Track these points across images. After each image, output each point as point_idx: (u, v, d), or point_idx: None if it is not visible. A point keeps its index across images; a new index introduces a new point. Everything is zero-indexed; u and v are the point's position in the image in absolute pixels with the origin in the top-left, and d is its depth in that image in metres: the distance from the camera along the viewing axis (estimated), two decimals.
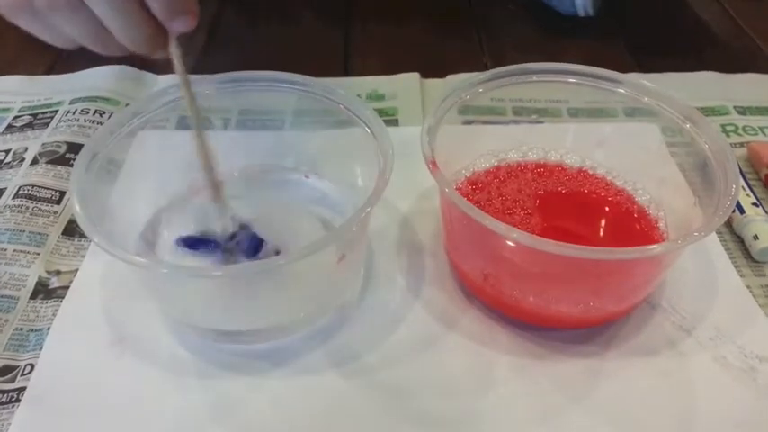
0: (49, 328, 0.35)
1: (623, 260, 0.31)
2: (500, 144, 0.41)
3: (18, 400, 0.32)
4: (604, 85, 0.39)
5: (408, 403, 0.32)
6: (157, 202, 0.38)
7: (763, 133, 0.49)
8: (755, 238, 0.39)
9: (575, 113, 0.47)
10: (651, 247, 0.30)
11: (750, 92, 0.53)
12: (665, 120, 0.38)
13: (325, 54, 0.59)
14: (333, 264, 0.33)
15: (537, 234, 0.31)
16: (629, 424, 0.31)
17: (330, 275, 0.34)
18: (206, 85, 0.38)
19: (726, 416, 0.32)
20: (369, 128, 0.35)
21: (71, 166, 0.44)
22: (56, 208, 0.42)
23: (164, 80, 0.53)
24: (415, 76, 0.54)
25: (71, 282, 0.37)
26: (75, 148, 0.46)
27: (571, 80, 0.39)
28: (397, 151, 0.33)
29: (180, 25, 0.30)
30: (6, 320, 0.36)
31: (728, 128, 0.50)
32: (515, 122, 0.47)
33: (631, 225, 0.37)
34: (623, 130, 0.41)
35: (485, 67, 0.56)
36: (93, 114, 0.49)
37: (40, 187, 0.43)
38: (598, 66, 0.39)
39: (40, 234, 0.40)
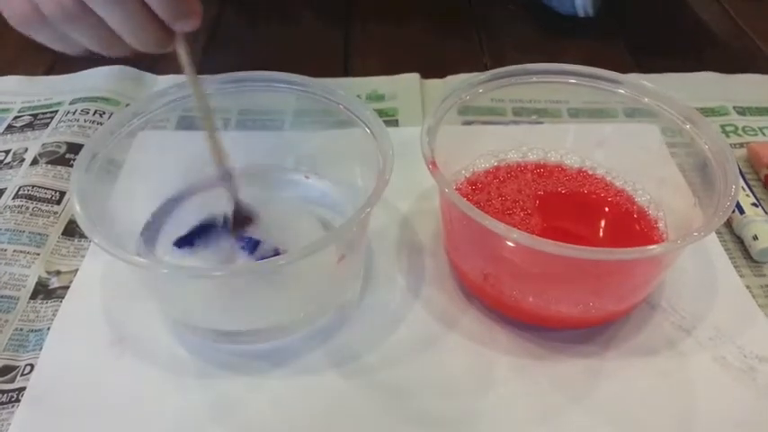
0: (48, 329, 0.35)
1: (623, 260, 0.31)
2: (500, 144, 0.41)
3: (18, 401, 0.32)
4: (604, 85, 0.39)
5: (408, 403, 0.32)
6: (157, 202, 0.38)
7: (763, 134, 0.49)
8: (755, 238, 0.39)
9: (575, 114, 0.47)
10: (651, 247, 0.30)
11: (750, 92, 0.53)
12: (664, 120, 0.38)
13: (325, 54, 0.59)
14: (333, 264, 0.33)
15: (537, 234, 0.31)
16: (629, 424, 0.31)
17: (330, 275, 0.35)
18: (206, 85, 0.38)
19: (725, 416, 0.32)
20: (369, 128, 0.35)
21: (71, 166, 0.44)
22: (56, 208, 0.42)
23: (164, 80, 0.53)
24: (415, 76, 0.54)
25: (71, 282, 0.37)
26: (75, 148, 0.46)
27: (571, 80, 0.39)
28: (397, 151, 0.33)
29: (185, 26, 0.31)
30: (6, 321, 0.36)
31: (728, 128, 0.50)
32: (515, 123, 0.47)
33: (631, 225, 0.37)
34: (623, 131, 0.41)
35: (485, 68, 0.56)
36: (93, 114, 0.49)
37: (40, 187, 0.43)
38: (598, 66, 0.39)
39: (40, 234, 0.40)
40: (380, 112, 0.48)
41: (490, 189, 0.38)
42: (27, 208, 0.41)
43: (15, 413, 0.31)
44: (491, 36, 0.62)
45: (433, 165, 0.33)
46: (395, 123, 0.50)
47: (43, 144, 0.46)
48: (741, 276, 0.38)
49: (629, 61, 0.58)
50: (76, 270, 0.38)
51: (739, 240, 0.40)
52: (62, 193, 0.43)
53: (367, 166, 0.34)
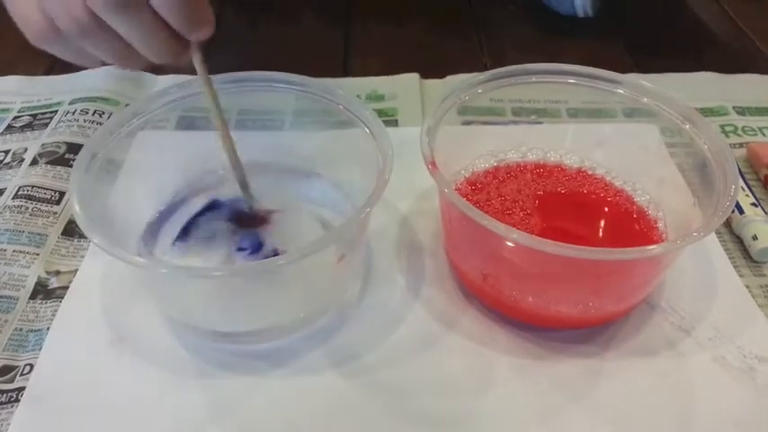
0: (48, 329, 0.35)
1: (622, 260, 0.31)
2: (499, 144, 0.41)
3: (17, 400, 0.32)
4: (604, 85, 0.39)
5: (408, 403, 0.32)
6: (157, 202, 0.38)
7: (763, 134, 0.49)
8: (755, 238, 0.39)
9: (574, 114, 0.47)
10: (650, 247, 0.30)
11: (749, 92, 0.53)
12: (664, 120, 0.38)
13: (324, 54, 0.59)
14: (332, 264, 0.33)
15: (536, 234, 0.31)
16: (629, 424, 0.31)
17: (330, 275, 0.35)
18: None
19: (725, 416, 0.32)
20: (368, 128, 0.35)
21: (71, 166, 0.44)
22: (55, 208, 0.42)
23: (163, 80, 0.53)
24: (415, 76, 0.54)
25: (70, 282, 0.37)
26: (74, 148, 0.46)
27: (570, 81, 0.39)
28: (397, 152, 0.33)
29: (198, 35, 0.31)
30: (6, 321, 0.36)
31: (728, 128, 0.50)
32: (515, 123, 0.47)
33: (630, 225, 0.37)
34: (622, 131, 0.41)
35: (484, 68, 0.56)
36: (93, 114, 0.49)
37: (39, 188, 0.43)
38: (597, 66, 0.39)
39: (39, 234, 0.40)
40: (380, 113, 0.48)
41: (490, 189, 0.38)
42: (26, 208, 0.41)
43: (15, 413, 0.31)
44: (491, 36, 0.62)
45: (432, 165, 0.33)
46: (394, 123, 0.50)
47: (43, 144, 0.46)
48: (741, 276, 0.38)
49: (629, 61, 0.58)
50: (76, 270, 0.38)
51: (739, 240, 0.40)
52: (62, 194, 0.43)
53: (366, 167, 0.34)
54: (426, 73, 0.54)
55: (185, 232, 0.36)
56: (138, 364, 0.33)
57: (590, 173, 0.40)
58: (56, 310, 0.36)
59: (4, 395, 0.32)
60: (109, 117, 0.48)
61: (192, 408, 0.32)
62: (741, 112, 0.51)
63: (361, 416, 0.31)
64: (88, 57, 0.33)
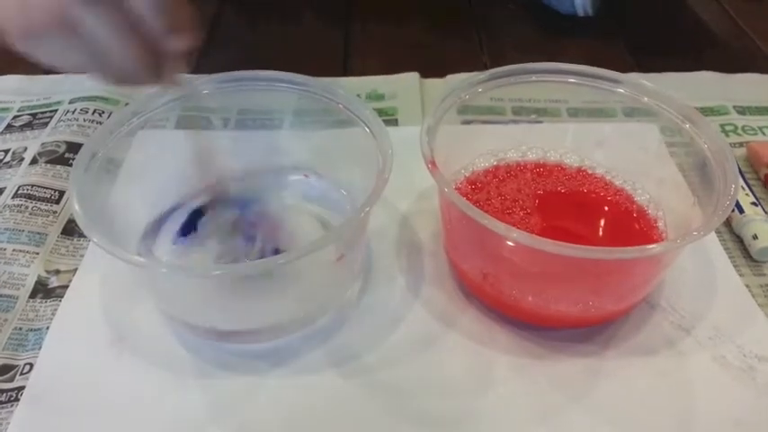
0: (48, 328, 0.35)
1: (622, 260, 0.31)
2: (499, 144, 0.41)
3: (17, 400, 0.32)
4: (604, 84, 0.39)
5: (408, 403, 0.32)
6: (157, 201, 0.38)
7: (763, 133, 0.49)
8: (755, 237, 0.39)
9: (574, 113, 0.47)
10: (650, 246, 0.30)
11: (749, 92, 0.53)
12: (664, 119, 0.38)
13: (324, 54, 0.59)
14: (332, 263, 0.33)
15: (536, 234, 0.31)
16: (629, 423, 0.31)
17: (329, 275, 0.34)
18: (205, 84, 0.38)
19: (725, 415, 0.31)
20: (368, 127, 0.35)
21: (70, 165, 0.44)
22: (55, 207, 0.42)
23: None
24: (415, 75, 0.54)
25: (70, 281, 0.37)
26: (74, 147, 0.46)
27: (570, 80, 0.39)
28: (397, 151, 0.33)
29: (178, 42, 0.30)
30: (5, 320, 0.36)
31: (728, 128, 0.50)
32: (515, 122, 0.47)
33: (630, 225, 0.37)
34: (622, 130, 0.41)
35: (484, 67, 0.56)
36: (93, 114, 0.49)
37: (39, 187, 0.43)
38: (597, 66, 0.39)
39: (39, 233, 0.40)
40: (380, 112, 0.48)
41: (489, 188, 0.38)
42: (26, 207, 0.41)
43: (14, 412, 0.31)
44: (491, 36, 0.62)
45: (432, 164, 0.33)
46: (394, 123, 0.50)
47: (42, 143, 0.46)
48: (741, 276, 0.38)
49: (629, 61, 0.58)
50: (76, 269, 0.38)
51: (739, 240, 0.40)
52: (61, 193, 0.43)
53: (366, 166, 0.34)
54: (426, 73, 0.54)
55: (185, 231, 0.36)
56: (137, 363, 0.33)
57: (590, 172, 0.40)
58: (55, 310, 0.36)
59: (4, 394, 0.32)
60: (109, 116, 0.48)
61: (191, 408, 0.32)
62: (741, 111, 0.51)
63: (361, 416, 0.31)
64: (67, 61, 0.31)
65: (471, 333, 0.35)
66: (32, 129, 0.48)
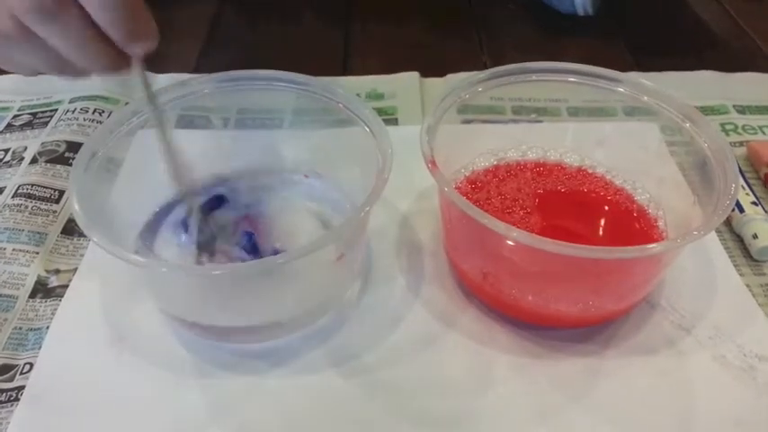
0: (47, 327, 0.35)
1: (622, 259, 0.31)
2: (499, 143, 0.41)
3: (17, 399, 0.32)
4: (604, 84, 0.39)
5: (407, 402, 0.32)
6: (157, 200, 0.38)
7: (763, 132, 0.49)
8: (755, 236, 0.39)
9: (574, 112, 0.47)
10: (650, 246, 0.30)
11: (749, 91, 0.53)
12: (664, 119, 0.38)
13: (324, 54, 0.59)
14: (332, 262, 0.33)
15: (536, 233, 0.31)
16: (629, 423, 0.31)
17: (329, 274, 0.34)
18: (205, 84, 0.38)
19: (725, 415, 0.31)
20: (368, 127, 0.35)
21: (70, 165, 0.44)
22: (55, 207, 0.42)
23: (163, 79, 0.53)
24: (415, 75, 0.54)
25: (70, 281, 0.37)
26: (74, 146, 0.46)
27: (570, 79, 0.39)
28: (397, 150, 0.33)
29: (140, 49, 0.30)
30: (5, 319, 0.36)
31: (728, 127, 0.50)
32: (515, 121, 0.47)
33: (631, 224, 0.37)
34: (622, 129, 0.41)
35: (484, 67, 0.56)
36: (93, 113, 0.49)
37: (39, 186, 0.43)
38: (598, 65, 0.39)
39: (39, 233, 0.40)
40: (380, 111, 0.48)
41: (490, 188, 0.38)
42: (26, 207, 0.41)
43: (14, 412, 0.31)
44: (491, 36, 0.61)
45: (432, 163, 0.33)
46: (394, 122, 0.50)
47: (42, 143, 0.46)
48: (741, 275, 0.38)
49: (629, 60, 0.58)
50: (76, 269, 0.38)
51: (739, 239, 0.40)
52: (61, 192, 0.43)
53: (366, 165, 0.34)
54: (426, 73, 0.54)
55: (185, 230, 0.36)
56: (137, 363, 0.33)
57: (590, 171, 0.40)
58: (55, 309, 0.36)
59: (4, 394, 0.32)
60: (109, 116, 0.48)
61: (191, 408, 0.32)
62: (741, 110, 0.51)
63: (361, 415, 0.31)
64: (20, 65, 0.31)
65: (471, 333, 0.35)
66: (32, 128, 0.48)
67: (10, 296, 0.37)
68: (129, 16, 0.28)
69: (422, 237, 0.40)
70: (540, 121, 0.46)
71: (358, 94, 0.51)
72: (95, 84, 0.51)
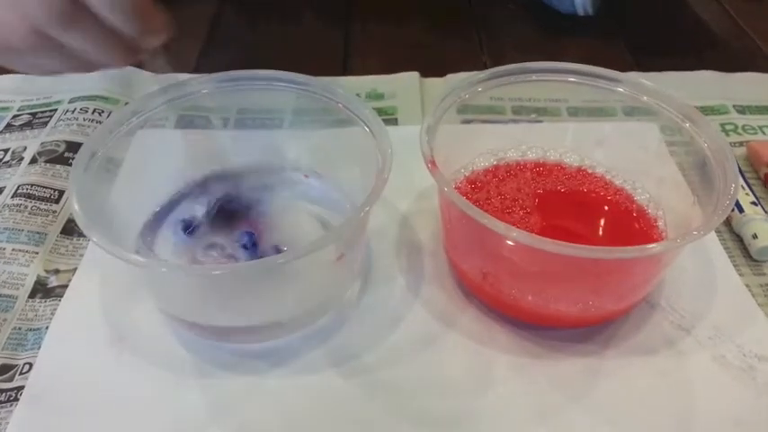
0: (47, 328, 0.35)
1: (622, 259, 0.30)
2: (499, 143, 0.41)
3: (16, 399, 0.32)
4: (603, 84, 0.39)
5: (407, 402, 0.32)
6: (156, 200, 0.38)
7: (763, 132, 0.49)
8: (754, 237, 0.39)
9: (574, 112, 0.47)
10: (650, 246, 0.30)
11: (749, 91, 0.53)
12: (664, 119, 0.38)
13: (324, 54, 0.59)
14: (332, 262, 0.33)
15: (536, 233, 0.31)
16: (629, 423, 0.31)
17: (329, 274, 0.34)
18: (205, 84, 0.38)
19: (725, 415, 0.31)
20: (368, 127, 0.35)
21: (70, 164, 0.44)
22: (54, 207, 0.42)
23: (162, 79, 0.53)
24: (415, 75, 0.54)
25: (70, 281, 0.37)
26: (74, 146, 0.46)
27: (570, 79, 0.39)
28: (397, 150, 0.33)
29: (153, 42, 0.32)
30: (5, 319, 0.35)
31: (728, 127, 0.50)
32: (514, 121, 0.47)
33: (630, 224, 0.37)
34: (622, 129, 0.41)
35: (484, 67, 0.56)
36: (92, 113, 0.49)
37: (38, 186, 0.43)
38: (597, 65, 0.39)
39: (38, 233, 0.40)
40: (380, 111, 0.48)
41: (489, 188, 0.38)
42: (26, 207, 0.41)
43: (14, 412, 0.31)
44: (491, 36, 0.61)
45: (432, 163, 0.33)
46: (394, 122, 0.50)
47: (42, 143, 0.46)
48: (740, 275, 0.38)
49: (629, 60, 0.58)
50: (75, 269, 0.38)
51: (739, 239, 0.40)
52: (61, 192, 0.43)
53: (366, 165, 0.34)
54: (426, 73, 0.54)
55: (184, 230, 0.36)
56: (137, 363, 0.33)
57: (590, 171, 0.40)
58: (55, 309, 0.36)
59: (3, 394, 0.32)
60: (108, 116, 0.48)
61: (191, 408, 0.32)
62: (741, 110, 0.51)
63: (361, 415, 0.31)
64: (46, 69, 0.33)
65: (471, 333, 0.35)
66: (32, 128, 0.48)
67: (9, 296, 0.37)
68: (138, 16, 0.30)
69: (422, 237, 0.40)
70: (540, 121, 0.46)
71: (358, 94, 0.51)
72: (95, 84, 0.51)
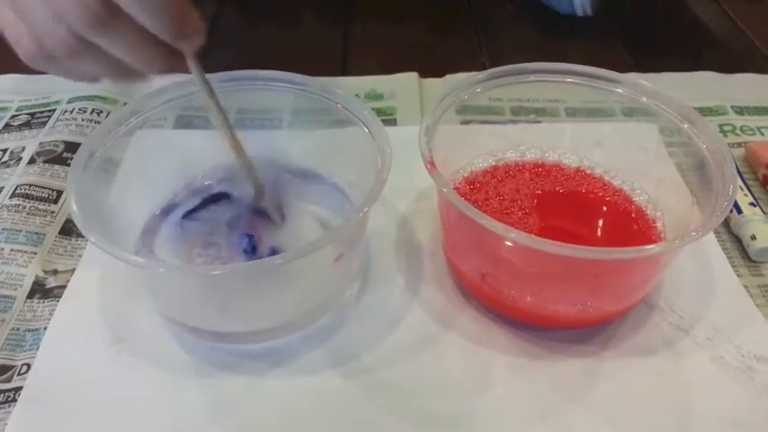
0: (45, 328, 0.35)
1: (621, 260, 0.31)
2: (498, 144, 0.41)
3: (15, 400, 0.32)
4: (602, 84, 0.39)
5: (406, 403, 0.32)
6: (155, 200, 0.38)
7: (761, 133, 0.49)
8: (753, 237, 0.39)
9: (572, 113, 0.47)
10: (649, 246, 0.30)
11: (748, 92, 0.53)
12: (663, 120, 0.38)
13: (324, 54, 0.59)
14: (331, 263, 0.33)
15: (534, 234, 0.31)
16: (627, 424, 0.31)
17: (328, 275, 0.34)
18: None
19: (723, 416, 0.32)
20: (367, 127, 0.35)
21: (68, 165, 0.44)
22: (53, 207, 0.42)
23: (162, 79, 0.53)
24: (414, 75, 0.54)
25: (68, 281, 0.37)
26: (72, 147, 0.46)
27: (569, 80, 0.39)
28: (395, 151, 0.33)
29: (190, 47, 0.32)
30: (3, 320, 0.35)
31: (726, 128, 0.50)
32: (513, 122, 0.47)
33: (629, 225, 0.37)
34: (621, 130, 0.41)
35: (483, 68, 0.56)
36: (91, 113, 0.49)
37: (37, 186, 0.43)
38: (596, 66, 0.39)
39: (37, 233, 0.40)
40: (379, 112, 0.48)
41: (488, 188, 0.38)
42: (24, 207, 0.41)
43: (12, 413, 0.31)
44: (490, 36, 0.62)
45: (431, 164, 0.33)
46: (393, 122, 0.50)
47: (40, 143, 0.46)
48: (739, 276, 0.38)
49: (628, 61, 0.58)
50: (74, 269, 0.38)
51: (737, 240, 0.40)
52: (59, 192, 0.43)
53: (365, 166, 0.34)
54: (425, 73, 0.54)
55: (185, 231, 0.36)
56: (136, 363, 0.33)
57: (588, 172, 0.40)
58: (53, 310, 0.36)
59: (2, 395, 0.32)
60: (107, 116, 0.48)
61: (191, 408, 0.32)
62: (740, 111, 0.51)
63: (361, 415, 0.31)
64: (85, 75, 0.33)
65: (470, 333, 0.35)
66: (30, 128, 0.48)
67: (7, 297, 0.37)
68: (173, 18, 0.30)
69: (421, 237, 0.40)
70: (539, 122, 0.46)
71: (357, 95, 0.51)
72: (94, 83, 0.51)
